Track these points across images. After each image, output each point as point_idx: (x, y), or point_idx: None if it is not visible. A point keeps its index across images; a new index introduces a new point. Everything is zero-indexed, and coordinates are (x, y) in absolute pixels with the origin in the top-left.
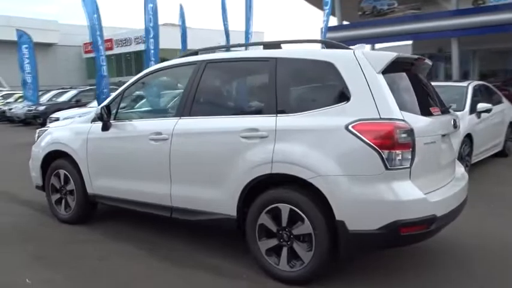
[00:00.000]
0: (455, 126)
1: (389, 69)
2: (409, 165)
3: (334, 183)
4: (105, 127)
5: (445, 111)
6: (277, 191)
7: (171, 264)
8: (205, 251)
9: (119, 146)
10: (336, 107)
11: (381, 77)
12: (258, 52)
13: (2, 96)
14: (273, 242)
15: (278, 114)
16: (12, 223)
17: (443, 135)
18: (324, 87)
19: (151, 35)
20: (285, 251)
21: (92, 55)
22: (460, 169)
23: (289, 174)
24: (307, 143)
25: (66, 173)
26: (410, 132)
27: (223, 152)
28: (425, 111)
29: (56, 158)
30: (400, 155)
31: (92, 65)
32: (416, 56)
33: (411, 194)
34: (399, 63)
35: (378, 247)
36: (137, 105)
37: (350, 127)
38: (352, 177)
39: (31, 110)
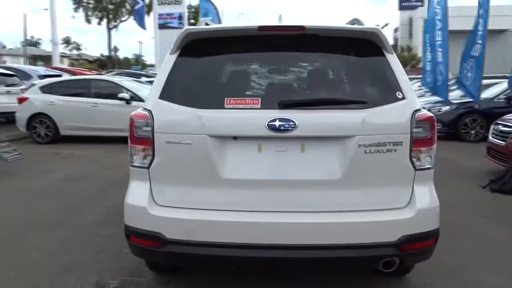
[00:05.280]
0: (276, 128)
1: (207, 48)
2: (147, 166)
3: None
4: None
5: (294, 104)
6: None
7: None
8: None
9: None
10: None
11: (169, 58)
12: None
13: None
14: None
15: None
16: None
17: (235, 138)
18: None
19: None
20: None
21: None
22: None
23: None
24: None
25: None
26: (148, 125)
27: None
28: (214, 103)
29: None
30: (139, 152)
31: None
32: (252, 26)
33: (136, 199)
34: (230, 39)
35: None
36: None
37: None
38: None
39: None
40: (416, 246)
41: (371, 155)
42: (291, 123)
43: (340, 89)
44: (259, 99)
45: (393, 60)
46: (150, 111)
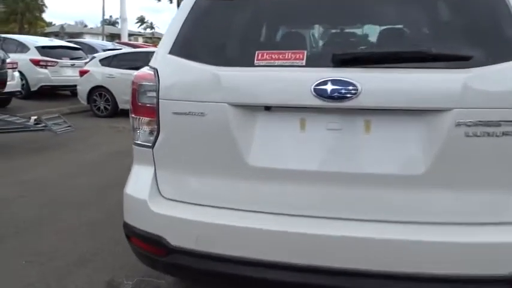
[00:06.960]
0: (327, 95)
1: None
2: (151, 144)
3: None
4: None
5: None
6: None
7: None
8: None
9: None
10: None
11: (185, 2)
12: None
13: None
14: None
15: None
16: None
17: (267, 108)
18: None
19: None
20: None
21: None
22: None
23: None
24: None
25: None
26: (153, 89)
27: None
28: (240, 58)
29: None
30: (143, 125)
31: None
32: None
33: (136, 188)
34: None
35: None
36: None
37: None
38: None
39: None
40: None
41: (475, 140)
42: (351, 87)
43: (427, 40)
44: (304, 52)
45: None
46: (156, 70)
